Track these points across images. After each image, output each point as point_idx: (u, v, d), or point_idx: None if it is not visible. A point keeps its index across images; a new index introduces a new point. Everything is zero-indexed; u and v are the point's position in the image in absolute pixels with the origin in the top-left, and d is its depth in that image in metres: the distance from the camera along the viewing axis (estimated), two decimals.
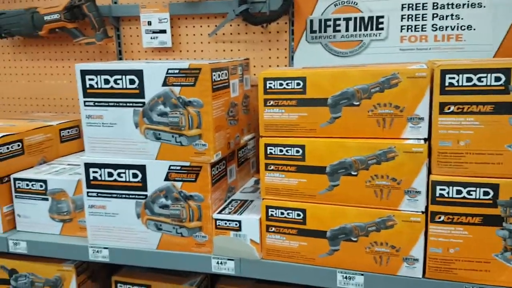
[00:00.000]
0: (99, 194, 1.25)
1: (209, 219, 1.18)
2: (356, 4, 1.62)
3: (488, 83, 0.95)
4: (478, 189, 0.99)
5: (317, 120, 1.08)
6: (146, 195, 1.21)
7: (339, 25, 1.64)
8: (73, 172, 1.38)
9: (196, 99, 1.11)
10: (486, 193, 0.98)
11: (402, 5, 1.57)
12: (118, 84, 1.16)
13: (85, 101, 1.21)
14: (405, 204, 1.04)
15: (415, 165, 1.01)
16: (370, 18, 1.61)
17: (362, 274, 1.09)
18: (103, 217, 1.26)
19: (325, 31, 1.66)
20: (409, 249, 1.05)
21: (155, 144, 1.17)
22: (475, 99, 0.97)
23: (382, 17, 1.60)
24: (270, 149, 1.11)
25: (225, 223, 1.16)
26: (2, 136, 1.35)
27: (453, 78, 0.97)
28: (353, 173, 1.06)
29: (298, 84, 1.07)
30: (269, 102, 1.10)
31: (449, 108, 0.98)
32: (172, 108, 1.14)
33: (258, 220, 1.15)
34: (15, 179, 1.36)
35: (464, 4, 1.52)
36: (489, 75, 0.95)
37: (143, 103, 1.16)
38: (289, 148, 1.10)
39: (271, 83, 1.09)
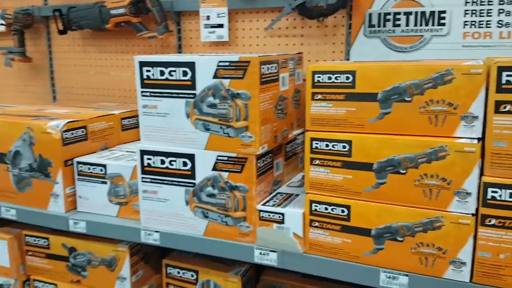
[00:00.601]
0: (152, 180, 1.31)
1: (253, 210, 1.20)
2: None
3: None
4: None
5: (366, 115, 1.06)
6: (194, 183, 1.25)
7: (399, 19, 1.60)
8: (131, 159, 1.45)
9: (244, 92, 1.14)
10: None
11: (466, 0, 1.50)
12: (172, 75, 1.21)
13: (142, 92, 1.27)
14: (454, 205, 1.00)
15: (467, 165, 0.97)
16: (432, 12, 1.55)
17: (406, 275, 1.06)
18: (155, 202, 1.32)
19: (384, 26, 1.62)
20: (457, 252, 1.01)
21: (204, 135, 1.21)
22: None
23: (444, 12, 1.53)
24: (316, 143, 1.11)
25: (269, 215, 1.18)
26: (67, 122, 1.45)
27: (511, 75, 0.92)
28: (401, 171, 1.03)
29: (347, 78, 1.06)
30: (317, 96, 1.10)
31: (505, 107, 0.93)
32: (221, 100, 1.16)
33: (302, 214, 1.15)
34: (78, 163, 1.46)
35: None
36: None
37: (195, 94, 1.20)
38: (336, 143, 1.09)
39: (319, 77, 1.09)
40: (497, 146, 0.95)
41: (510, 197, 0.95)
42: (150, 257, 1.59)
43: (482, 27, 1.50)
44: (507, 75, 0.92)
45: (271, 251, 1.20)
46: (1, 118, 1.54)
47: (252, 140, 1.16)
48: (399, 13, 1.59)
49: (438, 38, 1.56)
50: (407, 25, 1.59)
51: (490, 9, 1.49)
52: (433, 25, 1.56)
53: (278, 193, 1.30)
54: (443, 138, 0.99)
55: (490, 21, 1.49)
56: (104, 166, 1.42)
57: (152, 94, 1.25)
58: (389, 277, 1.07)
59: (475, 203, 0.98)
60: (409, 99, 1.02)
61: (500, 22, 1.48)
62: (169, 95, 1.23)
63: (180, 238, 1.31)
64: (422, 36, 1.58)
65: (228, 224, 1.24)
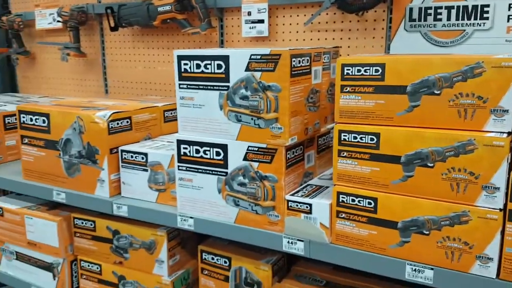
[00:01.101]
0: (187, 168, 1.37)
1: (282, 200, 1.23)
2: None
3: None
4: None
5: (395, 108, 1.07)
6: (226, 172, 1.30)
7: (440, 13, 1.57)
8: (170, 148, 1.52)
9: (275, 84, 1.17)
10: None
11: None
12: (208, 68, 1.27)
13: (179, 84, 1.33)
14: (482, 200, 0.98)
15: (495, 159, 0.95)
16: (474, 6, 1.51)
17: (432, 268, 1.06)
18: (190, 189, 1.38)
19: (425, 20, 1.60)
20: (484, 247, 0.99)
21: (236, 126, 1.26)
22: None
23: (488, 5, 1.49)
24: (344, 135, 1.13)
25: (297, 205, 1.21)
26: (113, 113, 1.54)
27: None
28: (429, 164, 1.03)
29: (376, 70, 1.07)
30: (346, 89, 1.11)
31: None
32: (253, 92, 1.20)
33: (329, 205, 1.17)
34: (122, 151, 1.55)
35: None
36: None
37: (228, 86, 1.24)
38: (364, 136, 1.10)
39: (348, 69, 1.10)
40: None
41: None
42: (187, 242, 1.66)
43: None
44: None
45: (298, 240, 1.23)
46: (55, 109, 1.66)
47: (281, 132, 1.19)
48: (440, 7, 1.56)
49: (481, 32, 1.52)
50: (448, 19, 1.56)
51: None
52: (475, 19, 1.52)
53: (309, 184, 1.32)
54: (471, 132, 0.98)
55: None
56: (145, 154, 1.50)
57: (189, 86, 1.31)
58: (415, 270, 1.07)
59: (503, 198, 0.97)
60: (438, 92, 1.01)
61: None
62: (205, 87, 1.28)
63: (213, 224, 1.36)
64: (464, 30, 1.54)
65: (258, 213, 1.28)
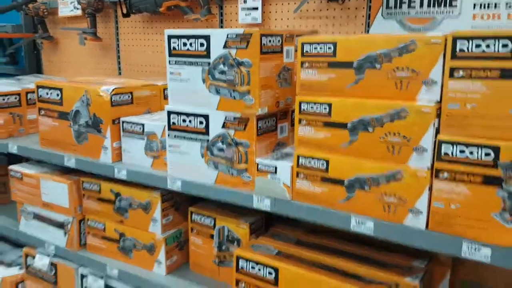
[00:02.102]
0: (176, 136, 1.57)
1: (253, 163, 1.41)
2: None
3: (496, 49, 1.01)
4: (480, 150, 1.05)
5: (344, 81, 1.23)
6: (208, 139, 1.49)
7: (414, 1, 1.71)
8: (165, 121, 1.72)
9: (247, 60, 1.35)
10: (487, 154, 1.04)
11: None
12: (192, 46, 1.45)
13: (169, 60, 1.52)
14: (413, 160, 1.14)
15: (424, 124, 1.11)
16: None
17: (372, 220, 1.22)
18: (178, 155, 1.58)
19: (400, 7, 1.74)
20: (415, 202, 1.15)
21: (216, 97, 1.44)
22: (483, 65, 1.03)
23: None
24: (303, 106, 1.30)
25: (265, 167, 1.39)
26: (115, 88, 1.75)
27: (464, 44, 1.04)
28: (370, 129, 1.19)
29: (329, 48, 1.23)
30: (305, 64, 1.28)
31: (458, 73, 1.06)
32: (229, 68, 1.39)
33: (290, 167, 1.34)
34: (123, 121, 1.76)
35: None
36: (497, 41, 1.00)
37: (209, 63, 1.43)
38: (318, 106, 1.27)
39: (307, 47, 1.27)
40: (451, 108, 1.08)
41: (460, 153, 1.07)
42: (181, 205, 1.86)
43: (491, 8, 1.57)
44: (461, 44, 1.05)
45: (266, 198, 1.40)
46: (67, 84, 1.88)
47: (252, 103, 1.37)
48: None
49: (450, 19, 1.65)
50: (421, 6, 1.69)
51: None
52: (445, 7, 1.65)
53: (280, 152, 1.50)
54: (406, 101, 1.14)
55: (498, 2, 1.56)
56: (142, 125, 1.70)
57: (177, 62, 1.50)
58: (358, 222, 1.24)
59: (431, 159, 1.12)
60: (379, 66, 1.17)
61: (508, 3, 1.54)
62: (190, 63, 1.47)
63: (197, 185, 1.55)
64: (434, 17, 1.67)
65: (233, 175, 1.47)
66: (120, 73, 2.69)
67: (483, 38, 1.02)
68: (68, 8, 2.76)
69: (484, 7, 1.58)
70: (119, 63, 2.69)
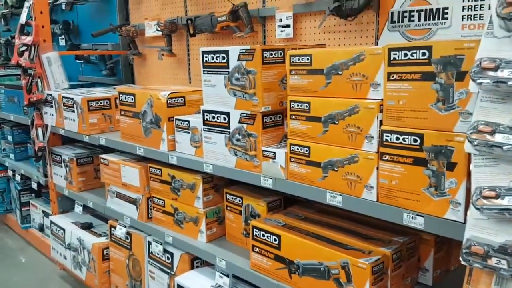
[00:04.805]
0: (208, 129, 2.01)
1: (260, 150, 1.80)
2: None
3: (418, 57, 1.29)
4: (409, 137, 1.33)
5: (318, 84, 1.57)
6: (229, 132, 1.91)
7: (413, 16, 1.96)
8: None
9: (253, 69, 1.74)
10: (415, 140, 1.32)
11: None
12: (217, 59, 1.89)
13: (203, 70, 1.97)
14: (365, 145, 1.44)
15: (371, 117, 1.41)
16: (438, 9, 1.88)
17: (341, 195, 1.53)
18: (210, 144, 2.02)
19: (402, 21, 2.00)
20: (368, 179, 1.45)
21: (233, 99, 1.85)
22: (409, 69, 1.31)
23: (447, 8, 1.85)
24: (293, 104, 1.65)
25: (267, 153, 1.76)
26: (170, 93, 2.25)
27: (396, 54, 1.34)
28: (336, 122, 1.51)
29: (308, 59, 1.58)
30: (292, 72, 1.64)
31: (393, 76, 1.35)
32: (241, 75, 1.79)
33: (285, 153, 1.71)
34: (175, 119, 2.25)
35: None
36: (418, 51, 1.28)
37: (228, 71, 1.85)
38: (301, 103, 1.62)
39: (293, 58, 1.63)
40: (389, 104, 1.37)
41: (396, 140, 1.36)
42: (220, 188, 2.30)
43: (476, 19, 1.78)
44: (393, 54, 1.34)
45: (269, 178, 1.78)
46: (139, 90, 2.43)
47: (258, 102, 1.76)
48: (413, 11, 1.96)
49: (443, 30, 1.88)
50: (419, 20, 1.94)
51: (483, 4, 1.76)
52: (438, 19, 1.89)
53: (285, 142, 1.86)
54: (359, 99, 1.45)
55: (483, 14, 1.76)
56: (188, 121, 2.18)
57: (208, 72, 1.95)
58: (332, 196, 1.56)
59: (377, 144, 1.41)
60: (341, 72, 1.49)
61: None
62: (216, 72, 1.90)
63: (222, 169, 1.98)
64: (430, 29, 1.92)
65: (247, 160, 1.86)
66: (190, 82, 3.23)
67: (409, 49, 1.30)
68: (151, 29, 3.37)
69: (471, 18, 1.79)
70: (189, 73, 3.23)
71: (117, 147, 2.63)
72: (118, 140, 2.61)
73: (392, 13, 2.01)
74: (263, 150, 1.78)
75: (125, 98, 2.50)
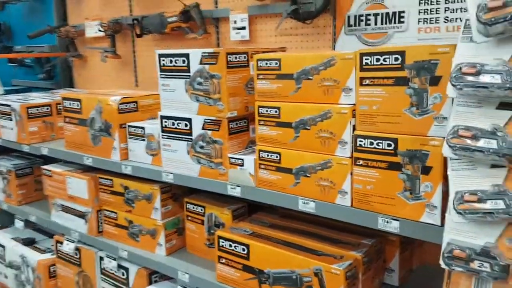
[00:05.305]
0: (168, 137, 1.91)
1: (226, 157, 1.73)
2: (383, 1, 1.94)
3: (390, 62, 1.29)
4: (383, 141, 1.32)
5: (288, 89, 1.53)
6: (192, 139, 1.82)
7: (369, 19, 1.98)
8: None
9: (217, 73, 1.67)
10: (389, 145, 1.32)
11: (419, 1, 1.84)
12: (177, 63, 1.79)
13: (160, 74, 1.87)
14: (338, 151, 1.43)
15: (344, 122, 1.40)
16: (394, 13, 1.91)
17: (314, 201, 1.51)
18: (169, 152, 1.92)
19: (359, 25, 2.02)
20: (341, 184, 1.43)
21: (196, 104, 1.77)
22: (382, 74, 1.31)
23: (404, 12, 1.89)
24: (261, 109, 1.61)
25: (235, 160, 1.70)
26: (122, 98, 2.12)
27: (368, 59, 1.33)
28: (307, 127, 1.49)
29: (276, 63, 1.54)
30: (260, 76, 1.59)
31: (365, 81, 1.34)
32: (204, 80, 1.72)
33: (254, 159, 1.65)
34: (128, 126, 2.12)
35: None
36: (391, 56, 1.28)
37: (189, 76, 1.76)
38: (270, 109, 1.57)
39: (261, 63, 1.58)
40: (362, 109, 1.37)
41: (370, 145, 1.35)
42: (179, 197, 2.20)
43: (432, 23, 1.83)
44: (366, 59, 1.33)
45: (237, 186, 1.72)
46: (85, 95, 2.27)
47: (223, 108, 1.69)
48: (370, 14, 1.98)
49: (399, 33, 1.92)
50: (375, 24, 1.97)
51: (438, 8, 1.81)
52: (395, 23, 1.92)
53: (252, 148, 1.81)
54: (331, 104, 1.43)
55: (438, 17, 1.81)
56: (143, 128, 2.06)
57: (166, 76, 1.85)
58: (304, 203, 1.53)
59: (351, 149, 1.40)
60: (311, 77, 1.47)
61: (446, 18, 1.80)
62: (175, 76, 1.81)
63: (184, 177, 1.89)
64: (387, 32, 1.95)
65: (212, 168, 1.79)
66: (137, 85, 3.08)
67: (381, 54, 1.30)
68: (93, 30, 3.18)
69: (426, 22, 1.84)
70: (135, 76, 3.08)
71: (61, 157, 2.44)
72: (63, 149, 2.43)
73: (348, 16, 2.03)
74: (230, 157, 1.72)
75: (70, 104, 2.33)
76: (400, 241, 1.76)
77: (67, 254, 2.54)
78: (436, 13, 1.81)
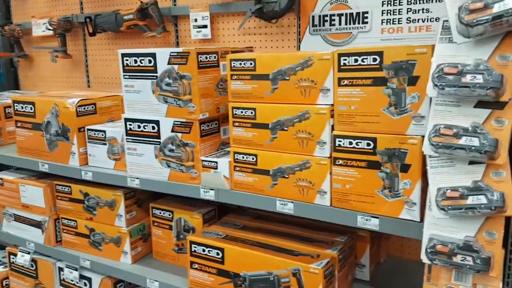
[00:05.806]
0: (133, 140, 1.83)
1: (199, 160, 1.68)
2: (347, 2, 1.96)
3: (369, 63, 1.30)
4: (362, 141, 1.34)
5: (264, 90, 1.51)
6: (160, 142, 1.76)
7: (334, 19, 2.00)
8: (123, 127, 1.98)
9: (188, 74, 1.62)
10: (368, 144, 1.33)
11: (382, 2, 1.88)
12: (142, 63, 1.72)
13: (123, 75, 1.79)
14: (317, 151, 1.43)
15: (322, 123, 1.40)
16: (358, 13, 1.94)
17: (292, 202, 1.50)
18: (135, 156, 1.84)
19: (323, 25, 2.03)
20: (320, 184, 1.44)
21: (164, 106, 1.71)
22: (360, 75, 1.32)
23: (367, 12, 1.92)
24: (235, 110, 1.57)
25: (208, 163, 1.66)
26: (80, 100, 2.00)
27: (346, 59, 1.34)
28: (285, 128, 1.47)
29: (251, 63, 1.52)
30: (234, 77, 1.56)
31: (344, 82, 1.35)
32: (173, 80, 1.66)
33: (228, 162, 1.62)
34: (88, 129, 2.01)
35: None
36: (369, 56, 1.30)
37: (156, 76, 1.70)
38: (246, 110, 1.55)
39: (234, 63, 1.55)
40: (341, 109, 1.37)
41: (349, 145, 1.36)
42: (144, 202, 2.12)
43: (395, 23, 1.88)
44: (344, 59, 1.34)
45: (210, 189, 1.67)
46: (39, 98, 2.13)
47: (194, 109, 1.64)
48: (334, 15, 2.00)
49: (363, 34, 1.95)
50: (340, 24, 1.99)
51: (401, 9, 1.86)
52: (359, 23, 1.95)
53: (224, 150, 1.77)
54: (309, 105, 1.42)
55: (401, 18, 1.86)
56: (104, 131, 1.96)
57: (130, 76, 1.77)
58: (282, 204, 1.52)
59: (330, 149, 1.41)
60: (288, 78, 1.45)
61: (408, 19, 1.84)
62: (140, 77, 1.74)
63: (153, 182, 1.82)
64: (351, 33, 1.97)
65: (183, 171, 1.74)
66: (89, 86, 2.94)
67: (359, 54, 1.31)
68: (40, 28, 2.99)
69: (390, 22, 1.88)
70: (88, 76, 2.94)
71: (13, 163, 2.28)
72: (15, 155, 2.27)
73: (313, 16, 2.04)
74: (202, 160, 1.67)
75: (22, 107, 2.18)
76: (371, 236, 1.79)
77: (22, 266, 2.38)
78: (399, 14, 1.86)
